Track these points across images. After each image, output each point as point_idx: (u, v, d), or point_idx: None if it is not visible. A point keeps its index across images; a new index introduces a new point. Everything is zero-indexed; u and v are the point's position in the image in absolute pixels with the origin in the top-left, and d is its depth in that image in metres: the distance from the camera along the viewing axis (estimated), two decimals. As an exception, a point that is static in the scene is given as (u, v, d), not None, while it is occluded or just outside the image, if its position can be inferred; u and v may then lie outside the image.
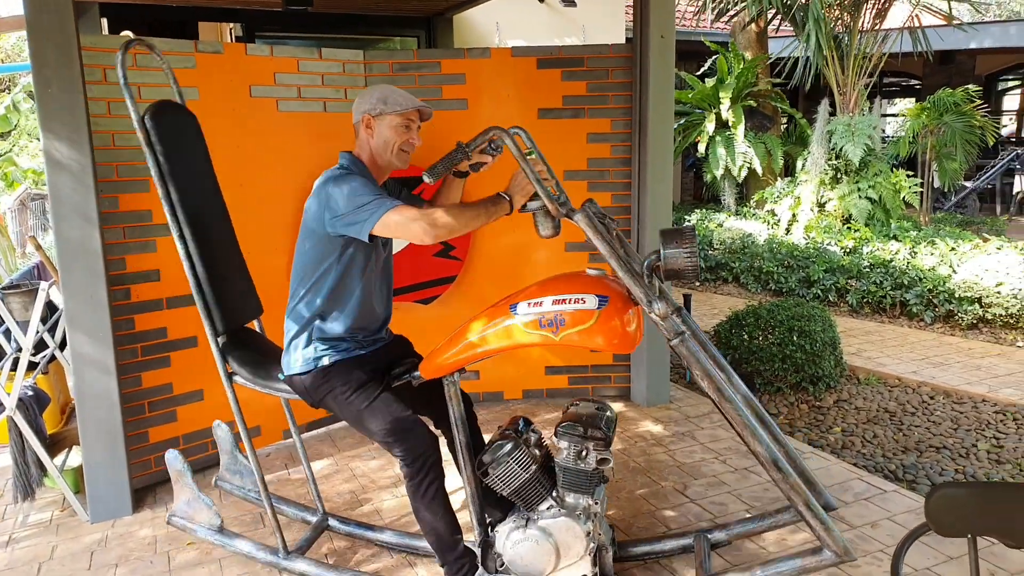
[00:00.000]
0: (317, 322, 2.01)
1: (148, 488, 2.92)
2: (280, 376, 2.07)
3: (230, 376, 2.13)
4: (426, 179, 1.82)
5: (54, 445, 3.00)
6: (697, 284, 7.03)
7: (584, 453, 1.90)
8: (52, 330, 3.32)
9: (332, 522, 2.47)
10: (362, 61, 3.47)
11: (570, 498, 1.94)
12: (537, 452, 1.96)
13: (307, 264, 1.98)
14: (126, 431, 2.74)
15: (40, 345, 3.23)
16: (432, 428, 2.08)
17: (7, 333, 3.38)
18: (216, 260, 2.09)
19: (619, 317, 1.76)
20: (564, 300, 1.77)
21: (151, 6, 4.75)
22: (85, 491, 2.72)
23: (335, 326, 2.01)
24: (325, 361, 2.00)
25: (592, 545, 1.92)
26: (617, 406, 3.70)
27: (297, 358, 2.02)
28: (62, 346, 3.36)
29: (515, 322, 1.80)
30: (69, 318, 2.61)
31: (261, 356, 2.16)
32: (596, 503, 1.94)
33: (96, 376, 2.65)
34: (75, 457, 2.96)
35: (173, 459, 2.24)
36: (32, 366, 3.14)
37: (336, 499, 2.82)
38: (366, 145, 2.00)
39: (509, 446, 1.90)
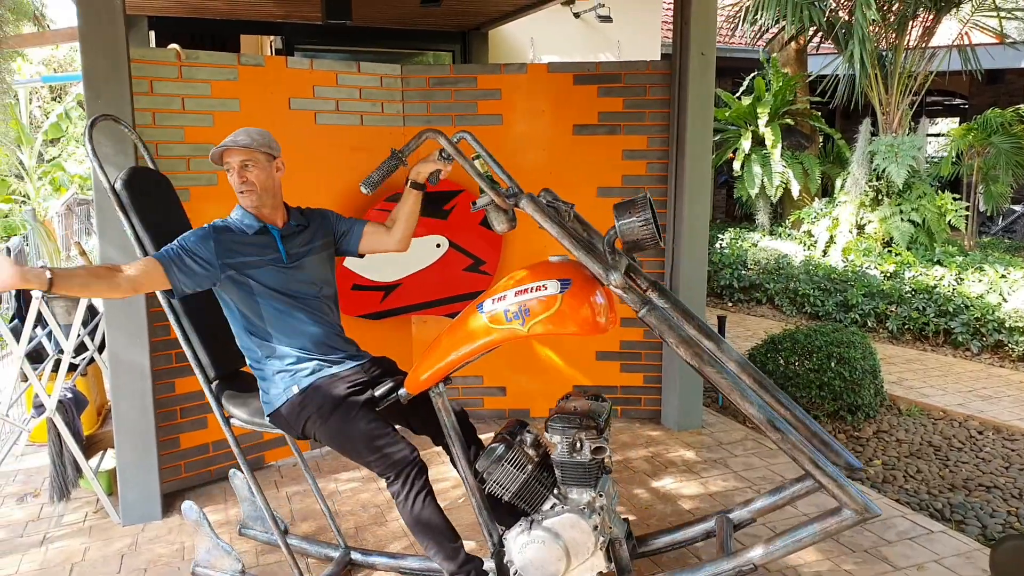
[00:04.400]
0: (267, 356, 2.05)
1: (178, 493, 2.95)
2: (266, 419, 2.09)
3: (228, 420, 2.15)
4: (363, 190, 1.82)
5: (90, 447, 3.05)
6: (729, 304, 6.91)
7: (578, 445, 1.85)
8: (92, 333, 3.39)
9: (354, 555, 2.45)
10: (399, 76, 3.50)
11: (572, 493, 1.89)
12: (533, 452, 1.90)
13: (226, 312, 2.09)
14: (158, 436, 2.77)
15: (80, 348, 3.30)
16: (432, 445, 2.09)
17: (49, 335, 3.47)
18: (201, 311, 2.14)
19: (585, 298, 1.70)
20: (526, 290, 1.73)
21: (196, 19, 4.87)
22: (118, 494, 2.75)
23: (285, 351, 2.04)
24: (295, 389, 2.02)
25: (602, 539, 1.85)
26: (647, 430, 3.63)
27: (271, 397, 2.05)
28: (100, 349, 3.43)
29: (482, 320, 1.78)
30: (108, 322, 2.66)
31: (256, 395, 2.16)
32: (601, 495, 1.88)
33: (131, 380, 2.69)
34: (110, 460, 3.00)
35: (188, 510, 2.25)
36: (72, 368, 3.22)
37: (362, 514, 2.81)
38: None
39: (502, 448, 1.86)
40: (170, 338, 2.88)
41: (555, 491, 1.91)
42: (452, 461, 2.11)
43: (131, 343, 2.67)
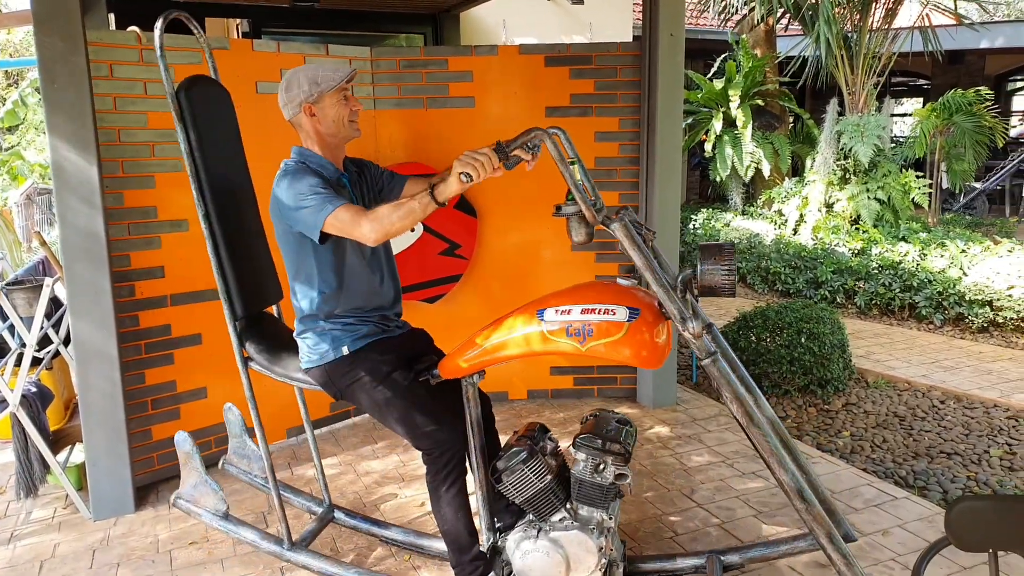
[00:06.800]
0: (323, 309, 1.96)
1: (151, 486, 2.91)
2: (300, 368, 2.02)
3: (246, 361, 2.09)
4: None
5: (57, 442, 2.99)
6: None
7: (602, 467, 1.86)
8: (56, 326, 3.31)
9: (338, 514, 2.42)
10: (369, 58, 3.45)
11: (584, 511, 1.90)
12: (553, 462, 1.91)
13: (290, 253, 1.95)
14: (129, 428, 2.72)
15: (44, 341, 3.22)
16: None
17: (11, 329, 3.37)
18: (240, 241, 2.04)
19: (649, 331, 1.70)
20: (593, 310, 1.72)
21: (158, 1, 4.73)
22: (88, 488, 2.70)
23: (342, 310, 1.96)
24: (345, 350, 1.95)
25: (604, 560, 1.88)
26: (623, 407, 3.67)
27: (315, 349, 1.97)
28: (66, 342, 3.35)
29: (541, 329, 1.75)
30: (73, 314, 2.59)
31: (278, 343, 2.11)
32: (610, 518, 1.90)
33: (99, 372, 2.64)
34: (78, 454, 2.94)
35: (182, 441, 2.21)
36: (36, 362, 3.14)
37: (340, 499, 2.80)
38: (313, 133, 1.95)
39: (525, 454, 1.86)
40: (139, 328, 2.83)
41: (567, 505, 1.91)
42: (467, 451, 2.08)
43: (98, 332, 2.61)
